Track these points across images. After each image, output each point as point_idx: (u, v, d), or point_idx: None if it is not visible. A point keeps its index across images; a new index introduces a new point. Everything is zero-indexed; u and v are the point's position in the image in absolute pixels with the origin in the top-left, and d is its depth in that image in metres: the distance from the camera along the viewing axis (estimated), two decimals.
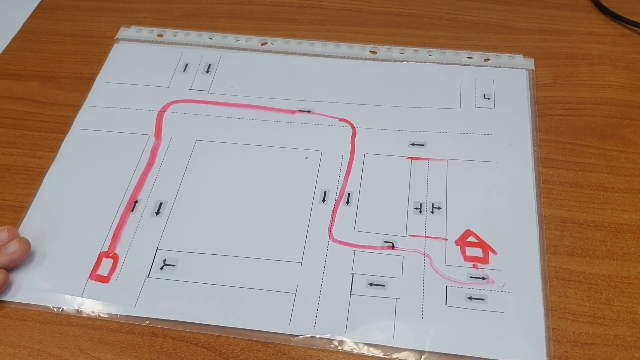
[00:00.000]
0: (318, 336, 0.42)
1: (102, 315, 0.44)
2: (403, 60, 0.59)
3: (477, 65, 0.58)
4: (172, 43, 0.63)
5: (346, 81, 0.58)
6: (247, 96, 0.57)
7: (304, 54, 0.61)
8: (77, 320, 0.44)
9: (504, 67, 0.58)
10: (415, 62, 0.59)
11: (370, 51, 0.61)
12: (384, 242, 0.47)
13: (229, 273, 0.46)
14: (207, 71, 0.59)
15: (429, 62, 0.59)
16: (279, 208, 0.49)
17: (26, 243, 0.46)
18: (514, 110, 0.54)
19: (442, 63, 0.59)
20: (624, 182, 0.50)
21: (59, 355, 0.42)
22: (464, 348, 0.41)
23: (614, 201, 0.49)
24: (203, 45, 0.62)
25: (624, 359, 0.41)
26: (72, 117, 0.56)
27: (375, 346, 0.42)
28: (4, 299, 0.45)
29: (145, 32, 0.64)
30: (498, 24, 0.63)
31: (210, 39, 0.63)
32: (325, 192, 0.50)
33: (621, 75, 0.57)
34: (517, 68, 0.58)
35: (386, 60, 0.60)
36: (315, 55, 0.61)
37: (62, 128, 0.56)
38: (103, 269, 0.46)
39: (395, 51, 0.60)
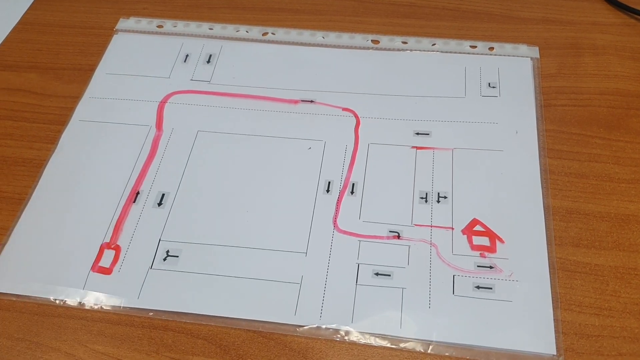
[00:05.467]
0: (324, 327, 0.42)
1: (105, 307, 0.44)
2: (406, 50, 0.59)
3: (482, 54, 0.58)
4: (172, 34, 0.62)
5: (349, 71, 0.57)
6: (249, 86, 0.56)
7: (305, 44, 0.60)
8: (76, 313, 0.43)
9: (509, 56, 0.58)
10: (419, 51, 0.59)
11: (372, 41, 0.60)
12: (390, 231, 0.46)
13: (233, 264, 0.45)
14: (208, 62, 0.59)
15: (433, 52, 0.59)
16: (282, 198, 0.48)
17: None
18: (519, 99, 0.54)
19: (445, 52, 0.58)
20: (630, 172, 0.50)
21: (57, 348, 0.42)
22: (472, 338, 0.41)
23: (619, 192, 0.49)
24: (203, 36, 0.61)
25: (631, 351, 0.41)
26: (71, 109, 0.56)
27: (382, 336, 0.42)
28: (4, 291, 0.44)
29: (145, 23, 0.63)
30: (502, 13, 0.62)
31: (211, 29, 0.62)
32: (329, 182, 0.49)
33: (627, 65, 0.57)
34: (522, 57, 0.58)
35: (389, 50, 0.59)
36: (317, 45, 0.60)
37: (60, 119, 0.55)
38: (105, 260, 0.46)
39: (397, 41, 0.60)
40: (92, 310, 0.43)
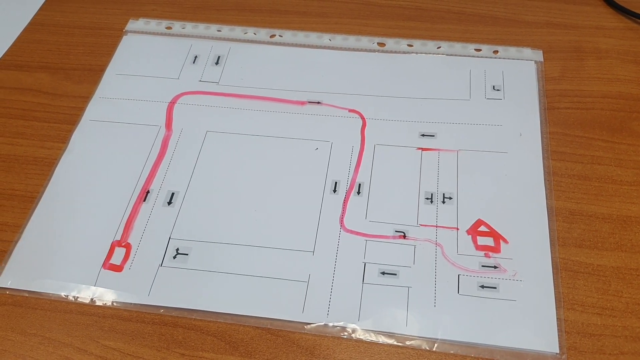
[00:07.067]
0: (331, 324, 0.43)
1: (116, 304, 0.44)
2: (412, 53, 0.60)
3: (486, 57, 0.59)
4: (180, 35, 0.63)
5: (355, 73, 0.58)
6: (257, 88, 0.57)
7: (312, 46, 0.61)
8: (88, 309, 0.44)
9: (513, 59, 0.58)
10: (424, 53, 0.59)
11: (378, 43, 0.61)
12: (396, 231, 0.47)
13: (242, 262, 0.46)
14: (217, 63, 0.59)
15: (438, 54, 0.59)
16: (290, 198, 0.49)
17: None
18: (524, 102, 0.55)
19: (450, 55, 0.59)
20: (632, 174, 0.50)
21: (69, 344, 0.43)
22: (476, 336, 0.42)
23: (622, 194, 0.49)
24: (212, 38, 0.62)
25: (633, 350, 0.41)
26: (81, 109, 0.56)
27: (388, 334, 0.42)
28: (17, 287, 0.45)
29: (154, 24, 0.64)
30: (506, 17, 0.63)
31: (219, 31, 0.63)
32: (336, 183, 0.50)
33: (629, 69, 0.58)
34: (526, 60, 0.58)
35: (395, 52, 0.60)
36: (324, 47, 0.61)
37: (71, 119, 0.56)
38: (116, 258, 0.46)
39: (403, 44, 0.61)
40: (103, 307, 0.44)
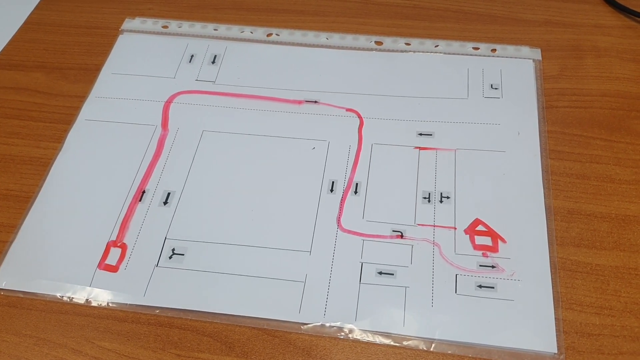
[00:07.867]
0: (328, 324, 0.42)
1: (111, 304, 0.44)
2: (409, 51, 0.59)
3: (484, 56, 0.58)
4: (177, 34, 0.62)
5: (352, 72, 0.58)
6: (253, 87, 0.57)
7: (309, 45, 0.61)
8: (83, 310, 0.44)
9: (511, 58, 0.58)
10: (422, 52, 0.59)
11: (375, 42, 0.61)
12: (393, 231, 0.47)
13: (239, 262, 0.46)
14: (213, 62, 0.59)
15: (436, 53, 0.59)
16: (287, 198, 0.49)
17: None
18: (522, 101, 0.54)
19: (448, 54, 0.59)
20: (631, 173, 0.50)
21: (65, 345, 0.42)
22: (474, 336, 0.41)
23: (620, 193, 0.49)
24: (208, 37, 0.62)
25: (631, 350, 0.41)
26: (77, 108, 0.56)
27: (385, 334, 0.42)
28: (11, 288, 0.45)
29: (150, 23, 0.64)
30: (504, 15, 0.63)
31: (215, 30, 0.62)
32: (333, 182, 0.50)
33: (628, 68, 0.58)
34: (524, 58, 0.58)
35: (392, 51, 0.60)
36: (321, 46, 0.60)
37: (66, 119, 0.55)
38: (111, 258, 0.46)
39: (401, 42, 0.60)
40: (98, 308, 0.44)
